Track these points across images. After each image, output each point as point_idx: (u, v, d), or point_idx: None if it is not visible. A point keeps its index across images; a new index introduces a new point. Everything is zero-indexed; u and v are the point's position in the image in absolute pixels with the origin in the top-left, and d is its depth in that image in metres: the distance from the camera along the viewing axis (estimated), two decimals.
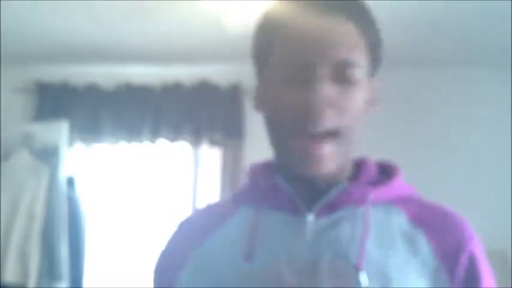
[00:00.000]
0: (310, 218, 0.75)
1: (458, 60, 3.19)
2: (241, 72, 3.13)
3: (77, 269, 2.93)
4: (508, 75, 3.16)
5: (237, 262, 0.74)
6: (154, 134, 3.29)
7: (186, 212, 3.18)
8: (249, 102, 3.21)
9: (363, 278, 0.69)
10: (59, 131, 2.99)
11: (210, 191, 3.25)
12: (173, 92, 3.33)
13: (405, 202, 0.78)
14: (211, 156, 3.31)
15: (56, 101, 3.35)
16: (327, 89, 0.71)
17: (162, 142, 3.31)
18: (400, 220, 0.76)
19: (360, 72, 0.73)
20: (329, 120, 0.71)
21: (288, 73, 0.72)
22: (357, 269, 0.70)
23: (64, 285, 2.84)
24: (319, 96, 0.70)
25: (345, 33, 0.72)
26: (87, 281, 3.01)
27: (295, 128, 0.72)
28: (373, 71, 0.78)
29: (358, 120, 0.74)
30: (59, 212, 2.88)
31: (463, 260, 0.74)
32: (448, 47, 3.04)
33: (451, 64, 3.21)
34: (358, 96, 0.74)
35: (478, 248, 0.76)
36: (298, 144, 0.72)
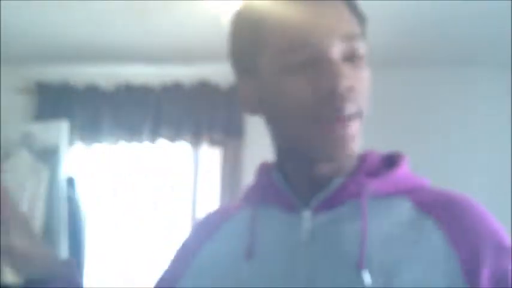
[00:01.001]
0: (307, 214, 0.72)
1: (458, 60, 3.19)
2: None
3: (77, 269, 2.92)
4: (508, 75, 3.16)
5: (237, 261, 0.74)
6: (154, 134, 3.29)
7: (185, 213, 3.19)
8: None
9: (365, 277, 0.66)
10: (59, 131, 2.99)
11: (210, 190, 3.25)
12: (173, 92, 3.33)
13: (412, 191, 0.73)
14: (211, 156, 3.31)
15: (56, 101, 3.35)
16: (345, 69, 0.68)
17: (162, 142, 3.31)
18: (404, 209, 0.71)
19: (364, 46, 0.72)
20: (353, 102, 0.68)
21: (293, 60, 0.68)
22: (358, 267, 0.66)
23: None
24: (342, 77, 0.66)
25: (339, 10, 0.71)
26: (87, 281, 3.01)
27: (320, 114, 0.67)
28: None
29: (367, 103, 0.73)
30: (59, 212, 2.87)
31: (474, 243, 0.66)
32: (448, 47, 3.04)
33: (451, 64, 3.21)
34: (366, 76, 0.73)
35: (501, 236, 0.68)
36: (326, 128, 0.68)
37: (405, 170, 0.76)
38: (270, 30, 0.71)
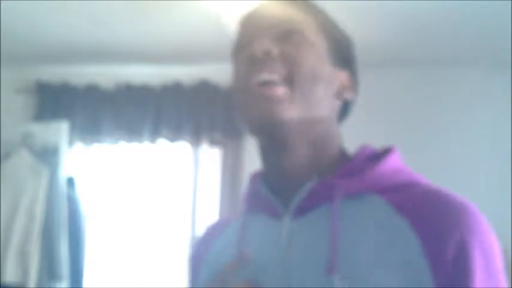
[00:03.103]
0: (286, 220, 0.74)
1: (458, 60, 3.19)
2: None
3: (77, 269, 2.93)
4: (508, 75, 3.16)
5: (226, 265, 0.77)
6: (154, 134, 3.29)
7: (185, 213, 3.19)
8: None
9: (336, 282, 0.65)
10: (59, 131, 2.99)
11: (210, 191, 3.25)
12: (173, 92, 3.33)
13: (391, 190, 0.70)
14: (211, 156, 3.31)
15: (56, 101, 3.35)
16: (266, 43, 0.74)
17: (162, 142, 3.31)
18: (379, 210, 0.68)
19: (306, 36, 0.76)
20: (274, 67, 0.73)
21: (241, 53, 0.77)
22: (328, 272, 0.66)
23: (64, 285, 2.84)
24: (256, 45, 0.73)
25: (291, 14, 0.78)
26: (87, 281, 3.01)
27: (246, 84, 0.74)
28: (337, 62, 0.78)
29: (318, 90, 0.74)
30: (59, 212, 2.87)
31: (449, 252, 0.62)
32: (448, 47, 3.04)
33: (450, 64, 3.21)
34: (310, 55, 0.75)
35: (474, 238, 0.63)
36: (252, 91, 0.73)
37: (390, 165, 0.74)
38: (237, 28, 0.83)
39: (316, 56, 0.75)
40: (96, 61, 3.34)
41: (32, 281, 2.77)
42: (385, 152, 0.77)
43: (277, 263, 0.71)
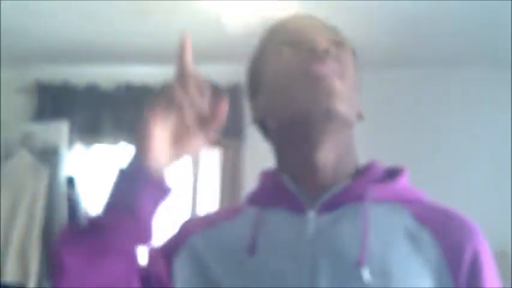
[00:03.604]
0: (311, 215, 0.76)
1: (458, 60, 3.19)
2: (241, 72, 3.11)
3: None
4: (508, 75, 3.16)
5: (239, 256, 0.75)
6: None
7: (185, 213, 3.19)
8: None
9: (365, 274, 0.69)
10: (59, 131, 2.99)
11: (210, 191, 3.25)
12: None
13: (411, 202, 0.78)
14: (211, 156, 3.31)
15: (56, 101, 3.35)
16: (325, 42, 0.79)
17: None
18: (404, 217, 0.76)
19: (348, 48, 0.83)
20: (332, 65, 0.77)
21: (290, 42, 0.80)
22: (358, 265, 0.70)
23: None
24: (319, 44, 0.78)
25: (329, 28, 0.85)
26: None
27: (305, 74, 0.77)
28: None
29: (354, 99, 0.80)
30: (59, 212, 2.87)
31: (466, 259, 0.73)
32: (448, 47, 3.04)
33: (451, 64, 3.21)
34: (352, 65, 0.81)
35: (483, 249, 0.75)
36: (312, 81, 0.76)
37: (405, 182, 0.82)
38: (270, 42, 0.85)
39: (353, 68, 0.82)
40: (96, 61, 3.34)
41: (32, 281, 2.77)
42: (395, 169, 0.83)
43: (305, 254, 0.73)
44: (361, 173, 0.81)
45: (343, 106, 0.75)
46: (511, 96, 3.15)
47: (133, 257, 0.75)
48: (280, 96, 0.79)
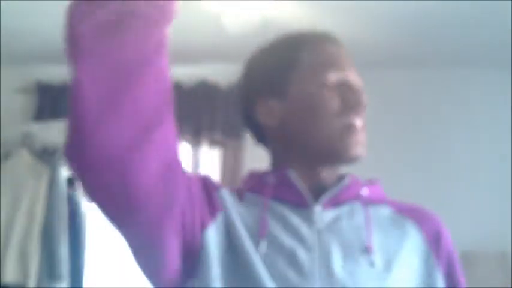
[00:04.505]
0: (318, 209, 0.82)
1: (458, 61, 3.19)
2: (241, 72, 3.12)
3: (77, 269, 2.93)
4: (508, 75, 3.16)
5: (254, 239, 0.79)
6: None
7: None
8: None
9: (375, 259, 0.79)
10: (59, 131, 2.99)
11: None
12: (173, 92, 3.32)
13: (387, 202, 0.90)
14: (211, 156, 3.31)
15: (56, 101, 3.35)
16: (365, 96, 0.87)
17: None
18: (388, 212, 0.87)
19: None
20: (364, 116, 0.87)
21: (328, 79, 0.85)
22: (367, 250, 0.80)
23: (64, 285, 2.84)
24: (364, 95, 0.86)
25: (349, 57, 0.91)
26: (87, 281, 3.01)
27: (347, 120, 0.84)
28: None
29: None
30: (59, 212, 2.88)
31: (443, 244, 0.86)
32: (448, 47, 3.04)
33: (451, 64, 3.21)
34: None
35: (449, 235, 0.89)
36: (351, 135, 0.84)
37: (381, 187, 0.93)
38: (307, 54, 0.87)
39: None
40: None
41: (32, 281, 2.77)
42: (372, 179, 0.93)
43: (315, 243, 0.79)
44: (348, 177, 0.89)
45: (365, 151, 0.86)
46: (511, 96, 3.15)
47: (163, 39, 0.69)
48: (313, 133, 0.84)
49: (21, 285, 2.78)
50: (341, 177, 0.88)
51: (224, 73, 3.31)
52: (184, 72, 3.34)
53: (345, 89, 0.85)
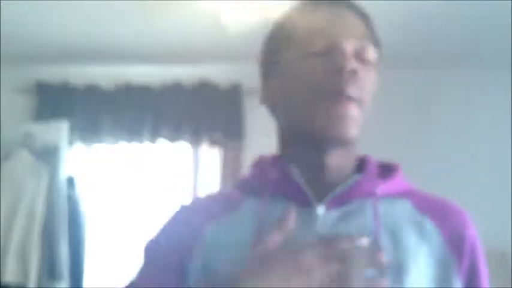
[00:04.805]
0: (320, 210, 0.76)
1: (458, 61, 3.19)
2: (241, 72, 3.13)
3: (77, 269, 2.93)
4: (508, 76, 3.16)
5: (247, 251, 0.73)
6: (154, 134, 3.29)
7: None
8: (249, 102, 3.21)
9: (385, 256, 0.71)
10: (59, 131, 3.00)
11: (210, 191, 3.25)
12: (173, 92, 3.33)
13: (408, 194, 0.81)
14: (211, 156, 3.31)
15: (56, 101, 3.35)
16: (354, 62, 0.76)
17: (162, 142, 3.31)
18: (406, 209, 0.79)
19: (374, 55, 0.80)
20: (355, 89, 0.76)
21: (312, 49, 0.77)
22: (378, 248, 0.72)
23: (64, 285, 2.84)
24: (348, 61, 0.76)
25: (359, 25, 0.82)
26: (87, 281, 3.01)
27: (327, 91, 0.75)
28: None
29: (370, 102, 0.80)
30: (59, 212, 2.88)
31: (467, 246, 0.77)
32: (448, 47, 3.04)
33: (451, 65, 3.21)
34: (372, 77, 0.80)
35: (476, 235, 0.80)
36: (331, 106, 0.75)
37: (401, 176, 0.84)
38: (295, 28, 0.81)
39: (375, 79, 0.81)
40: (96, 61, 3.34)
41: (32, 281, 2.77)
42: (390, 164, 0.86)
43: (316, 250, 0.72)
44: (362, 168, 0.82)
45: (356, 131, 0.77)
46: (510, 97, 3.15)
47: None
48: (298, 109, 0.78)
49: (21, 285, 2.78)
50: (359, 165, 0.82)
51: (224, 73, 3.31)
52: (184, 72, 3.35)
53: (330, 56, 0.76)
